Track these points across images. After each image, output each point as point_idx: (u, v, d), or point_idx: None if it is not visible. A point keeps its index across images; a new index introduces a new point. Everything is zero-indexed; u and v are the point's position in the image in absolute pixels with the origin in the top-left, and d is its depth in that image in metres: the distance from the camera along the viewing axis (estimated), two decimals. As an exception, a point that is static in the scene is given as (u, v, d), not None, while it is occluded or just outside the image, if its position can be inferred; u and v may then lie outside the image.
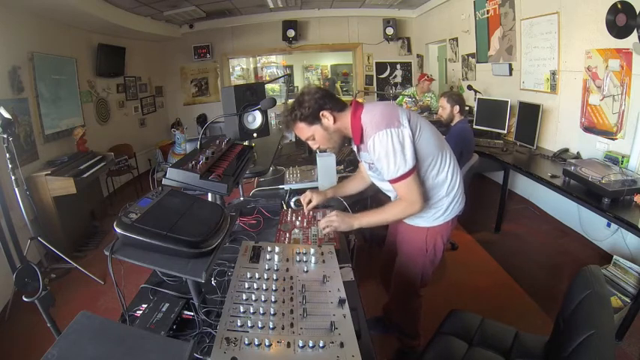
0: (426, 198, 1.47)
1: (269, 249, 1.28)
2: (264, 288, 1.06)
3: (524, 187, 3.83)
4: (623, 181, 2.02)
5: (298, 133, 1.50)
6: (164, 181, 1.22)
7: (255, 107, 1.78)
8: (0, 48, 3.04)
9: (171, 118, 6.75)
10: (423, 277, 1.72)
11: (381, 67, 6.71)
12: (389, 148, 1.32)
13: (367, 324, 1.05)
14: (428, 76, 4.91)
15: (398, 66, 6.69)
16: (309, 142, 1.51)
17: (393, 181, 1.39)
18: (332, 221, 1.47)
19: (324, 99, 1.42)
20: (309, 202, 1.70)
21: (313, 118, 1.42)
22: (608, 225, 2.65)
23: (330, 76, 9.73)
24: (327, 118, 1.42)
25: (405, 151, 1.33)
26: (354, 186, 1.82)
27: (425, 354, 1.38)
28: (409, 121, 1.37)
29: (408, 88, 5.36)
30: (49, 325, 1.62)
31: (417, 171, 1.41)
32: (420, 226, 1.60)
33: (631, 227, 1.83)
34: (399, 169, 1.34)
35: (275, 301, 1.01)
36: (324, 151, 1.61)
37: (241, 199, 2.04)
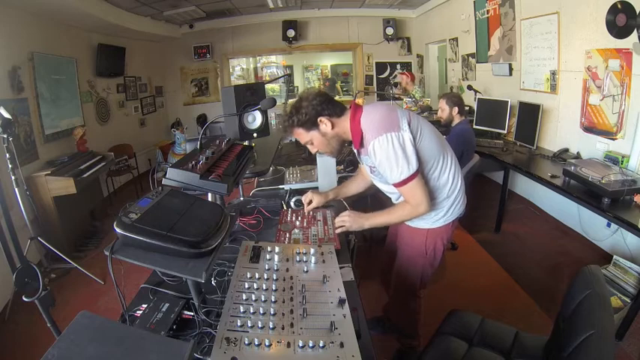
0: (431, 198, 1.47)
1: (269, 249, 1.29)
2: (264, 288, 1.06)
3: (524, 187, 3.83)
4: (623, 181, 2.02)
5: (297, 137, 1.51)
6: (164, 181, 1.22)
7: (255, 107, 1.78)
8: (0, 48, 3.04)
9: (172, 118, 6.74)
10: (422, 279, 1.72)
11: (381, 67, 6.71)
12: (390, 152, 1.32)
13: (367, 324, 1.05)
14: (402, 72, 5.24)
15: (398, 66, 6.68)
16: (308, 146, 1.53)
17: (396, 185, 1.39)
18: (344, 221, 1.50)
19: (322, 105, 1.41)
20: (310, 202, 1.70)
21: (311, 124, 1.43)
22: (608, 225, 2.65)
23: (330, 76, 9.71)
24: (324, 124, 1.42)
25: (407, 154, 1.33)
26: (355, 187, 1.83)
27: (425, 354, 1.38)
28: (409, 124, 1.36)
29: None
30: (49, 325, 1.62)
31: (420, 173, 1.41)
32: (421, 227, 1.60)
33: (631, 227, 1.83)
34: (402, 173, 1.34)
35: (275, 301, 1.01)
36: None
37: (241, 199, 2.04)
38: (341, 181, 2.21)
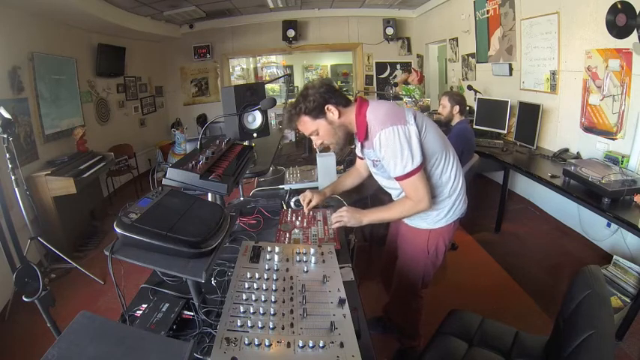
0: (432, 197, 1.46)
1: (269, 249, 1.29)
2: (264, 288, 1.06)
3: (524, 187, 3.83)
4: (623, 181, 2.01)
5: (302, 127, 1.48)
6: (164, 181, 1.22)
7: (255, 107, 1.78)
8: (0, 48, 3.04)
9: (172, 118, 6.74)
10: (424, 279, 1.72)
11: (381, 67, 6.71)
12: (396, 145, 1.32)
13: (367, 324, 1.05)
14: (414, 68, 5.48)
15: (398, 66, 6.68)
16: (313, 138, 1.49)
17: (399, 179, 1.38)
18: (342, 216, 1.49)
19: (329, 93, 1.41)
20: (309, 202, 1.70)
21: (318, 112, 1.41)
22: (608, 225, 2.65)
23: (325, 76, 9.56)
24: (332, 112, 1.41)
25: (412, 148, 1.33)
26: (350, 181, 1.82)
27: (425, 354, 1.38)
28: (415, 119, 1.37)
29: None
30: (49, 325, 1.62)
31: (423, 168, 1.41)
32: (422, 227, 1.60)
33: (631, 227, 1.83)
34: (406, 166, 1.34)
35: (275, 301, 1.01)
36: (326, 150, 1.61)
37: (241, 199, 2.04)
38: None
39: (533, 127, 3.06)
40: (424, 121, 1.42)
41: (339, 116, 1.42)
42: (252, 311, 0.97)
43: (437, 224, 1.57)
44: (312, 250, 1.27)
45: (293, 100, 1.52)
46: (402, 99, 4.95)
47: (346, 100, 1.46)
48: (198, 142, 1.48)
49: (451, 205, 1.54)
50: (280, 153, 3.06)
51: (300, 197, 1.72)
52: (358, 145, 1.57)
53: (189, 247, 0.93)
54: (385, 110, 1.38)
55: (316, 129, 1.45)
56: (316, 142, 1.50)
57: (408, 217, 1.55)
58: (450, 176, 1.51)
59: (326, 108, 1.41)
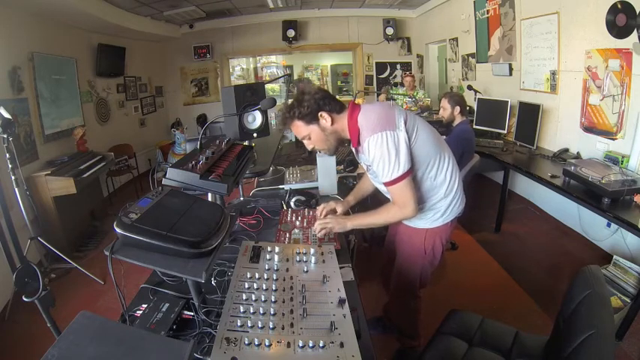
0: (420, 202, 1.47)
1: (269, 249, 1.29)
2: (264, 288, 1.06)
3: (524, 187, 3.83)
4: (623, 181, 2.01)
5: (295, 131, 1.50)
6: (164, 181, 1.22)
7: (255, 107, 1.78)
8: (0, 48, 3.04)
9: (172, 118, 6.74)
10: (421, 278, 1.72)
11: (381, 67, 6.71)
12: (384, 151, 1.32)
13: (367, 324, 1.05)
14: (407, 73, 5.40)
15: (398, 66, 6.69)
16: (305, 142, 1.51)
17: (387, 184, 1.39)
18: (327, 223, 1.48)
19: (324, 100, 1.42)
20: (327, 212, 1.64)
21: (311, 118, 1.42)
22: (608, 225, 2.65)
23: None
24: (324, 119, 1.42)
25: (400, 154, 1.33)
26: (369, 184, 1.78)
27: (425, 354, 1.38)
28: (405, 124, 1.37)
29: (401, 88, 5.44)
30: (49, 325, 1.62)
31: (413, 174, 1.41)
32: (419, 227, 1.60)
33: (631, 227, 1.83)
34: (393, 172, 1.34)
35: (275, 301, 1.01)
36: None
37: (241, 199, 2.04)
38: (341, 180, 2.21)
39: (533, 127, 3.06)
40: (416, 123, 1.42)
41: (332, 123, 1.43)
42: (252, 311, 0.97)
43: (434, 223, 1.58)
44: (312, 250, 1.27)
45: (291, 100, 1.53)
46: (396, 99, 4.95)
47: (340, 106, 1.46)
48: (198, 142, 1.48)
49: (447, 204, 1.54)
50: (280, 153, 3.06)
51: (322, 207, 1.64)
52: (354, 150, 1.57)
53: (189, 247, 0.93)
54: (375, 115, 1.38)
55: (308, 134, 1.46)
56: (308, 146, 1.52)
57: (394, 222, 1.55)
58: (446, 177, 1.51)
59: (319, 115, 1.42)
